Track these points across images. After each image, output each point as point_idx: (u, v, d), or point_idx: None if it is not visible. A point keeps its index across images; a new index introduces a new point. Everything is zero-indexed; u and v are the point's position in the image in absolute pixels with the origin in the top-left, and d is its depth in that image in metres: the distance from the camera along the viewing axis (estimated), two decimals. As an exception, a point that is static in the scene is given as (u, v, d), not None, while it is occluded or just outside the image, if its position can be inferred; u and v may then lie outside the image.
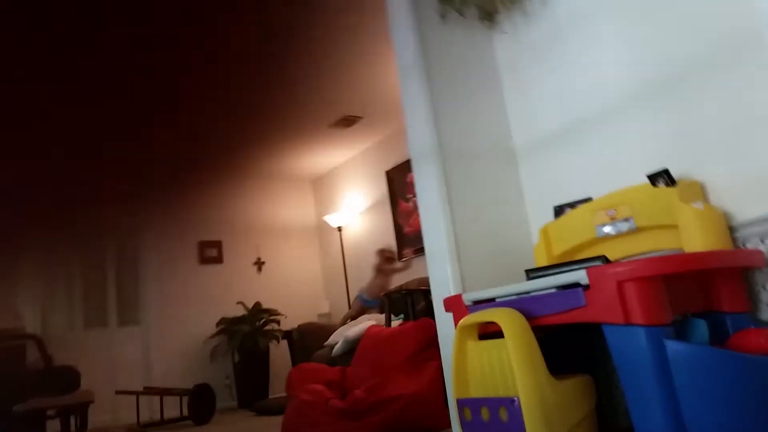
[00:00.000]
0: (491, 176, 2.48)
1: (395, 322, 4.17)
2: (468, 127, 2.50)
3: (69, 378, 3.13)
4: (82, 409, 4.80)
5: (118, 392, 5.42)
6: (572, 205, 2.24)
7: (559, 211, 2.27)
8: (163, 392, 5.36)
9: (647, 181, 1.96)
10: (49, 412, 4.65)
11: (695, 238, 1.79)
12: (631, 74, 2.14)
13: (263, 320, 6.45)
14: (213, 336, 6.44)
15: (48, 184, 6.09)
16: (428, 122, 2.39)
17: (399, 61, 2.55)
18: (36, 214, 6.06)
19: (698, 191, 1.90)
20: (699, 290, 1.73)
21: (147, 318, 6.39)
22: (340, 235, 6.96)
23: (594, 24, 2.27)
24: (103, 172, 6.36)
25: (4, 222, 5.84)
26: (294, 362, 5.84)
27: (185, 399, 5.51)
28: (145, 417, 5.76)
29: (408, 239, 6.18)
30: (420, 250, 5.96)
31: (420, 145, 2.42)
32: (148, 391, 5.44)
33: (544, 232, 2.25)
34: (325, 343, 5.00)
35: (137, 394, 5.33)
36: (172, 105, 5.09)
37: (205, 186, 7.06)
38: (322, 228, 7.62)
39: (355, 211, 6.96)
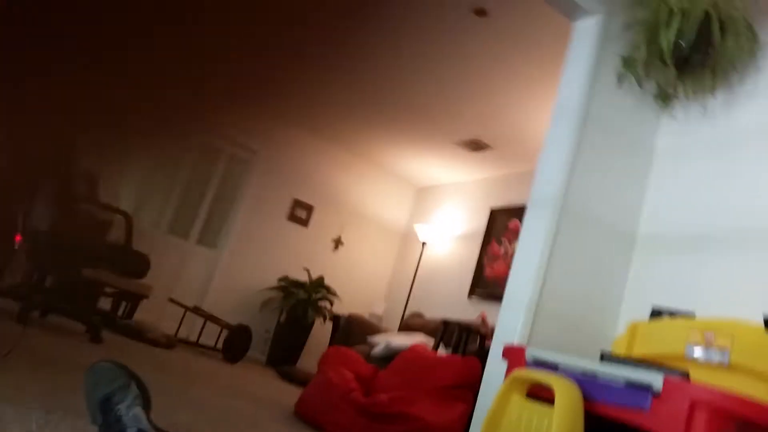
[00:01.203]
0: (602, 250, 2.39)
1: (442, 352, 4.11)
2: (600, 194, 2.42)
3: (140, 265, 3.31)
4: (135, 299, 5.06)
5: (171, 300, 5.68)
6: (673, 312, 2.11)
7: (656, 313, 2.15)
8: (209, 317, 5.56)
9: (762, 320, 1.82)
10: (107, 289, 4.94)
11: (791, 400, 1.63)
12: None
13: (320, 294, 6.55)
14: (271, 288, 6.61)
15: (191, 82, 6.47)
16: (562, 173, 2.33)
17: (558, 101, 2.51)
18: (173, 104, 6.45)
19: (814, 355, 1.74)
20: (772, 453, 1.58)
21: (223, 246, 6.65)
22: (423, 249, 6.94)
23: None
24: (239, 95, 6.68)
25: (138, 94, 6.25)
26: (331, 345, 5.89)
27: (224, 333, 5.70)
28: (182, 333, 6.00)
29: (484, 281, 6.07)
30: (491, 296, 5.84)
31: (544, 192, 2.36)
32: (196, 310, 5.66)
33: (633, 328, 2.13)
34: (368, 338, 5.01)
35: (186, 309, 5.56)
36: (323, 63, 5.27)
37: (317, 149, 7.25)
38: (407, 234, 7.65)
39: (446, 233, 6.93)
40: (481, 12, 3.61)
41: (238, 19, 4.80)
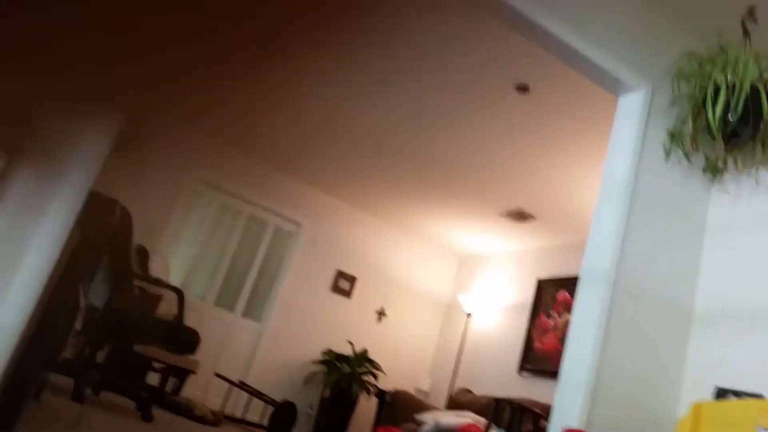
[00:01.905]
0: (658, 327, 2.32)
1: None
2: (653, 268, 2.37)
3: (191, 342, 3.35)
4: (183, 374, 5.09)
5: (217, 375, 5.69)
6: (738, 394, 2.02)
7: (721, 393, 2.06)
8: (255, 393, 5.53)
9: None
10: (156, 364, 4.99)
11: None
12: None
13: (364, 368, 6.47)
14: (315, 362, 6.57)
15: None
16: (612, 248, 2.31)
17: (605, 176, 2.51)
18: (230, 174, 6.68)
19: None
20: None
21: (267, 318, 6.69)
22: (467, 320, 6.84)
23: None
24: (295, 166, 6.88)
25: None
26: (377, 423, 5.76)
27: (269, 409, 5.65)
28: (228, 408, 5.98)
29: (534, 356, 5.91)
30: (541, 372, 5.67)
31: (595, 267, 2.33)
32: (242, 386, 5.65)
33: (697, 409, 2.04)
34: (416, 416, 4.88)
35: (232, 384, 5.55)
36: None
37: (360, 220, 7.33)
38: (451, 305, 7.55)
39: (492, 305, 6.83)
40: (523, 88, 3.69)
41: (289, 99, 5.02)
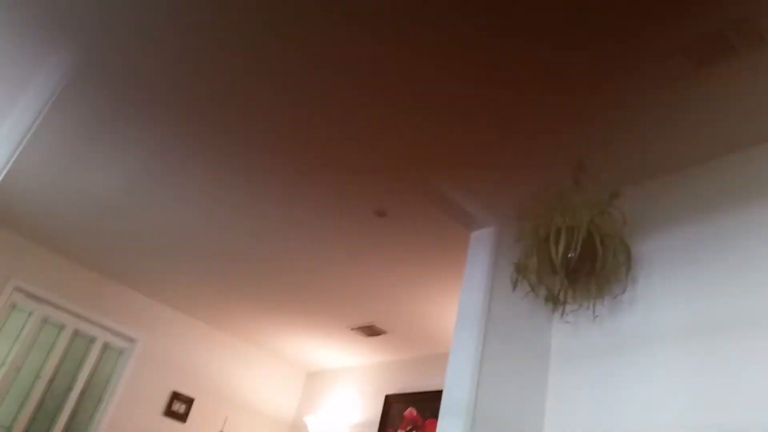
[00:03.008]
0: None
1: None
2: (506, 398, 2.44)
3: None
4: None
5: None
6: None
7: None
8: None
9: None
10: None
11: None
12: (681, 419, 2.10)
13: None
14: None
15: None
16: (469, 379, 2.37)
17: (460, 306, 2.61)
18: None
19: None
20: None
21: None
22: (314, 443, 6.53)
23: (654, 356, 2.29)
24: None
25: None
26: None
27: None
28: None
29: (381, 475, 5.74)
30: (390, 493, 5.49)
31: (455, 399, 2.36)
32: None
33: None
34: None
35: None
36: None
37: (201, 334, 6.88)
38: (296, 425, 7.20)
39: (338, 423, 6.61)
40: (381, 213, 3.81)
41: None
